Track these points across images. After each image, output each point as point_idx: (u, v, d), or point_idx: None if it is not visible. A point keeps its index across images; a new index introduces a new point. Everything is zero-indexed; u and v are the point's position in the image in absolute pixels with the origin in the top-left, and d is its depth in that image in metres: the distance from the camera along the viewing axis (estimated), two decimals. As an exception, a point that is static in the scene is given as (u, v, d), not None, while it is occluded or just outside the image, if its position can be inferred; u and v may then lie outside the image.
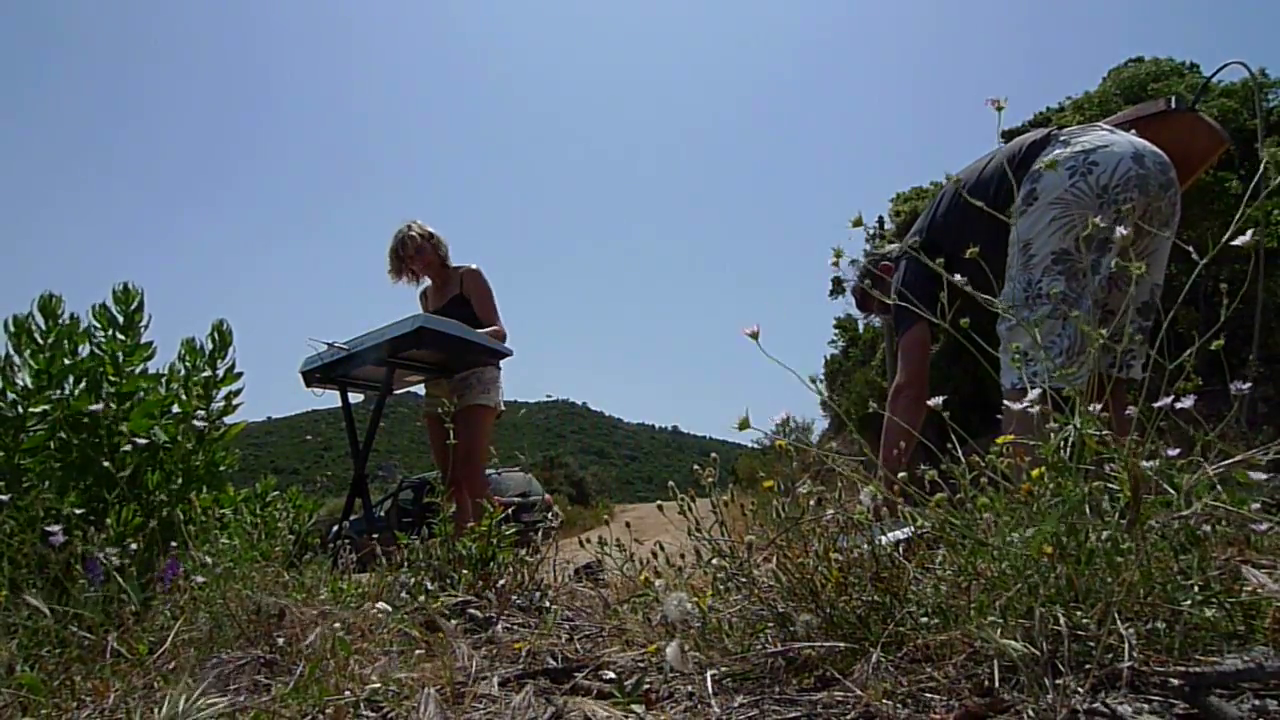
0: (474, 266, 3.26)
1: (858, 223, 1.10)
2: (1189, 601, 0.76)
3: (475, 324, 3.10)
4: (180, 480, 1.84)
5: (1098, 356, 0.94)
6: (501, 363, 3.18)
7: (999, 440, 0.97)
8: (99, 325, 1.97)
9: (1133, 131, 1.85)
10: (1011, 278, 1.78)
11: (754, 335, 0.96)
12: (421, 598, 1.48)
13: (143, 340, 2.02)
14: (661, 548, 1.41)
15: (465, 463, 2.94)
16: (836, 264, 1.13)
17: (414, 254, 3.22)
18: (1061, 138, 1.82)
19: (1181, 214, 1.81)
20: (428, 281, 3.36)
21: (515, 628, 1.36)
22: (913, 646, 0.83)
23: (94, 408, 1.66)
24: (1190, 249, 1.00)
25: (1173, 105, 1.90)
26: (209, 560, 1.33)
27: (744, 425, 0.93)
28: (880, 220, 14.66)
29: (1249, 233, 0.91)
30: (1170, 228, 1.77)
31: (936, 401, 1.08)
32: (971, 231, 1.64)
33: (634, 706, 0.81)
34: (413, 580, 1.58)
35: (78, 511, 1.54)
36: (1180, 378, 0.94)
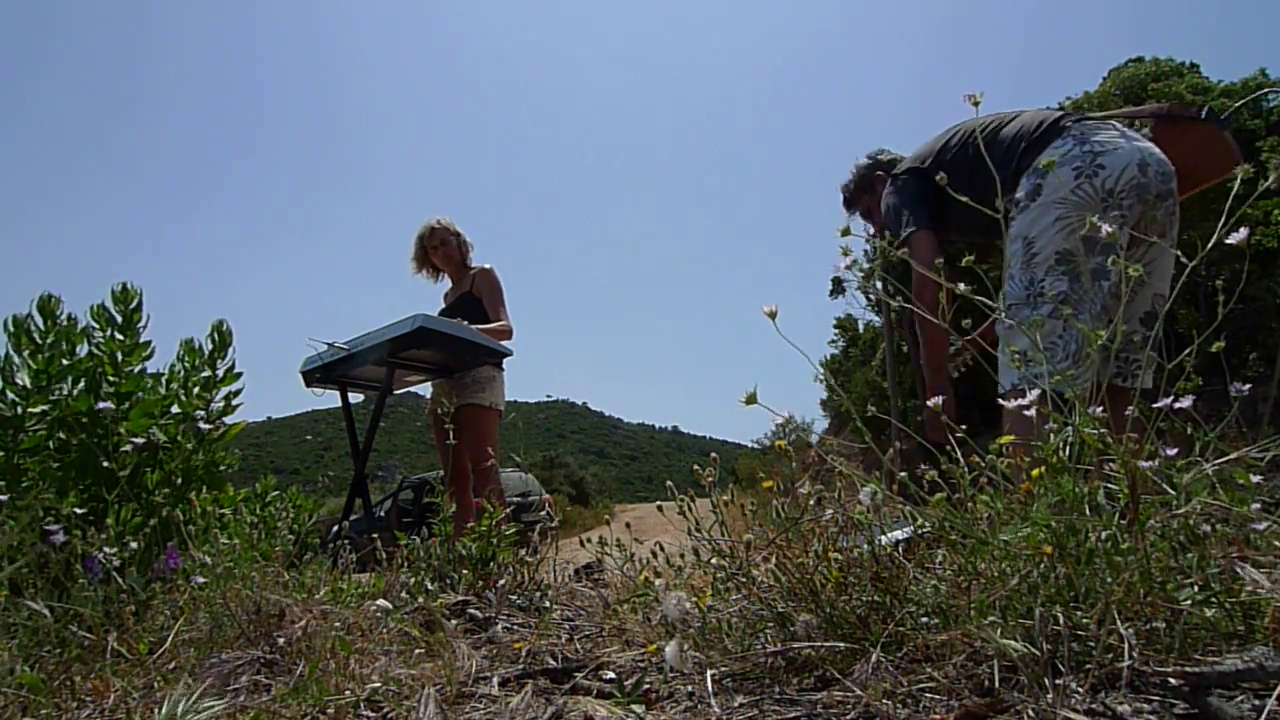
0: (486, 265, 3.30)
1: (846, 232, 1.11)
2: (1189, 601, 0.76)
3: (485, 321, 3.11)
4: (180, 480, 1.84)
5: (1102, 367, 0.94)
6: (504, 362, 3.18)
7: (999, 440, 0.97)
8: (97, 325, 1.97)
9: (1148, 129, 1.82)
10: (1012, 276, 1.76)
11: (772, 315, 0.96)
12: (421, 598, 1.48)
13: (141, 340, 2.02)
14: (661, 548, 1.41)
15: (473, 462, 2.95)
16: (844, 267, 1.14)
17: (438, 244, 3.26)
18: (1074, 131, 1.79)
19: (1182, 217, 1.80)
20: (449, 283, 3.38)
21: (515, 628, 1.36)
22: (913, 646, 0.83)
23: (102, 405, 1.66)
24: (1179, 253, 0.99)
25: (1203, 115, 1.85)
26: (209, 560, 1.33)
27: (751, 400, 0.93)
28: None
29: (1242, 230, 0.91)
30: (1168, 238, 1.75)
31: (935, 402, 1.08)
32: (981, 182, 1.61)
33: (634, 706, 0.81)
34: (413, 580, 1.58)
35: (78, 511, 1.54)
36: (1180, 378, 0.94)
